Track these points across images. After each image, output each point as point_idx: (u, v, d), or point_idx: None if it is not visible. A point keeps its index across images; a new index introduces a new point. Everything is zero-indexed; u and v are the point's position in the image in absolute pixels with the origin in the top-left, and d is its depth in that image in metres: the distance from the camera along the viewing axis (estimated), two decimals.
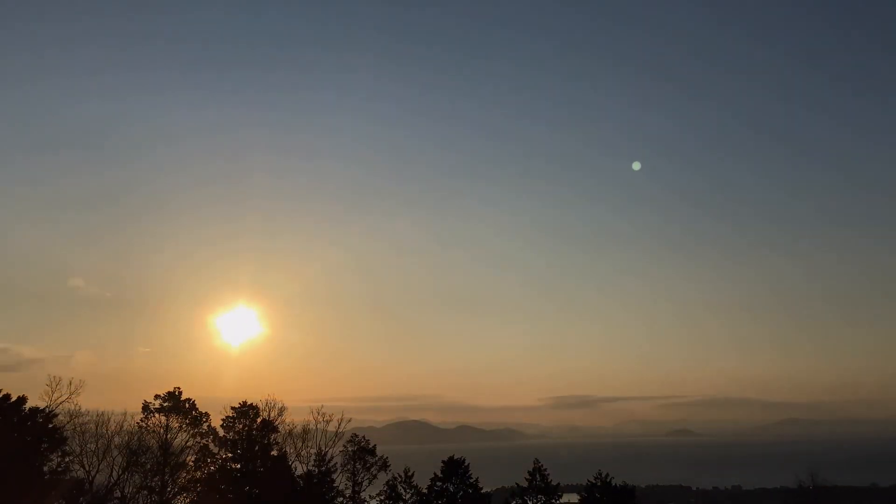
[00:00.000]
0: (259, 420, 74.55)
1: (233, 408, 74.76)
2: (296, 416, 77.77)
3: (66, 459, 66.98)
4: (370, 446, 76.97)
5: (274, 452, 74.39)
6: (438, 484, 67.37)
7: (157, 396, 72.96)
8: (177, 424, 72.59)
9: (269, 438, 74.38)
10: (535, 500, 65.16)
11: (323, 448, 75.66)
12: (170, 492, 70.64)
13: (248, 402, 75.32)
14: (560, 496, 65.95)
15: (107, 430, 68.51)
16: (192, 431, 73.01)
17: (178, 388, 73.67)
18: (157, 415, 72.33)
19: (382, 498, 70.82)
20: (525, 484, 66.14)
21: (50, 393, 67.33)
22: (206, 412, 74.29)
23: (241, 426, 73.71)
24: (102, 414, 69.01)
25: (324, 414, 76.73)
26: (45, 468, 66.09)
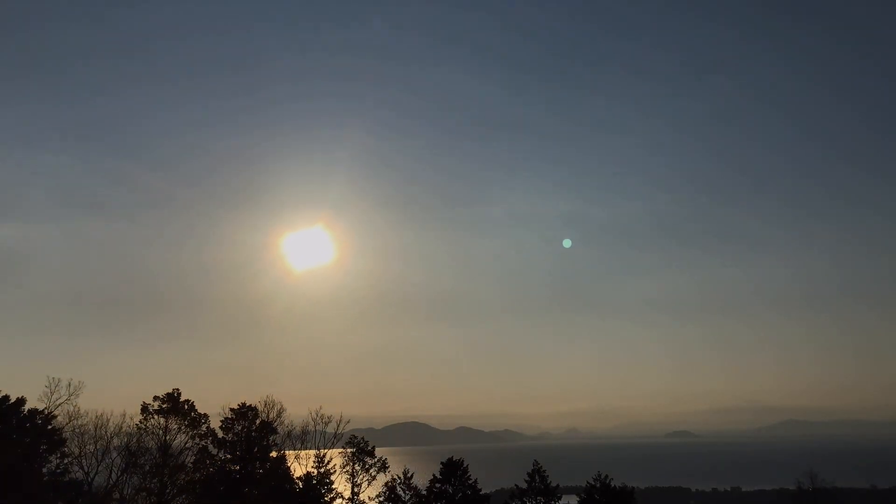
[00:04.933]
0: (258, 421, 74.51)
1: (232, 409, 74.69)
2: (295, 418, 77.91)
3: (65, 461, 66.97)
4: (369, 447, 76.99)
5: (273, 454, 74.36)
6: (437, 485, 67.24)
7: (155, 398, 72.94)
8: (175, 426, 72.51)
9: (268, 440, 74.32)
10: (534, 502, 65.07)
11: (322, 449, 75.69)
12: (169, 493, 70.51)
13: (248, 404, 75.34)
14: (559, 498, 65.82)
15: (106, 432, 68.42)
16: (190, 433, 72.93)
17: (177, 389, 73.74)
18: (156, 416, 72.26)
19: (382, 499, 70.74)
20: (524, 485, 66.03)
21: (49, 394, 67.39)
22: (205, 413, 74.35)
23: (240, 427, 73.64)
24: (101, 415, 69.02)
25: (322, 415, 76.87)
26: (44, 470, 66.13)
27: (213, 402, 76.65)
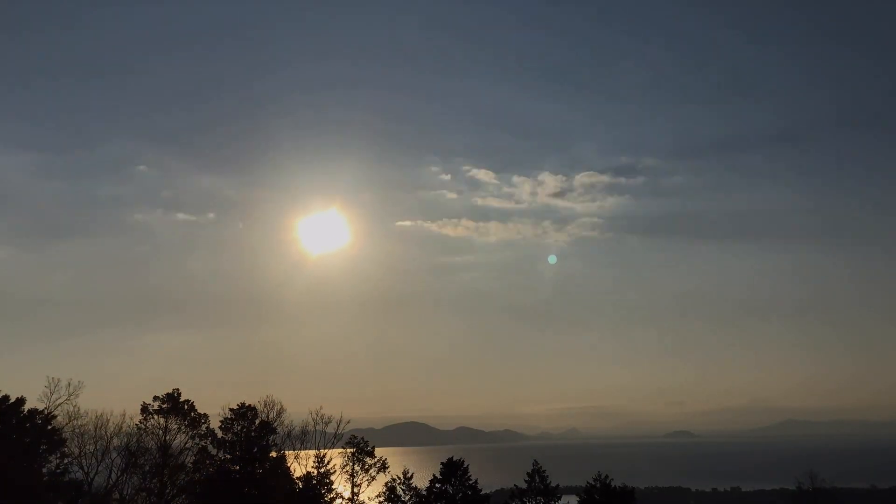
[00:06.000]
0: (258, 421, 74.56)
1: (231, 409, 74.73)
2: (295, 417, 77.98)
3: (65, 461, 67.10)
4: (369, 447, 77.04)
5: (273, 454, 74.41)
6: (437, 485, 67.22)
7: (155, 398, 73.08)
8: (175, 426, 72.66)
9: (268, 440, 74.38)
10: (534, 502, 65.08)
11: (322, 449, 75.73)
12: (168, 493, 70.65)
13: (247, 404, 75.40)
14: (559, 498, 65.79)
15: (105, 432, 68.61)
16: (190, 433, 73.07)
17: (177, 389, 73.84)
18: (155, 416, 72.39)
19: (381, 500, 70.74)
20: (524, 485, 66.04)
21: (49, 394, 67.45)
22: (204, 413, 74.46)
23: (239, 427, 73.68)
24: (101, 415, 69.16)
25: (322, 415, 76.93)
26: (44, 470, 66.23)
27: (214, 402, 76.83)
